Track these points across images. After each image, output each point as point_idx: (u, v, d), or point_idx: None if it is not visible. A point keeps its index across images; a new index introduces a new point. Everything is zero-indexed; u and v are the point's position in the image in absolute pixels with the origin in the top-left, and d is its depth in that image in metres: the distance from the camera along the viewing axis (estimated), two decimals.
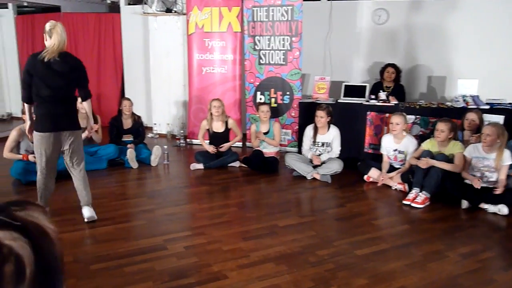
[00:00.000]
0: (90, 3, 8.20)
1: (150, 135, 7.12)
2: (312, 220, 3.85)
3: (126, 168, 5.37)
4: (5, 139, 4.83)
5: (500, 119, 4.70)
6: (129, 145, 5.53)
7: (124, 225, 3.69)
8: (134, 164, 5.39)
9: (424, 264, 3.02)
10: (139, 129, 5.81)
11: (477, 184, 4.06)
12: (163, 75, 7.10)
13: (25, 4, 7.65)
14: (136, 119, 5.79)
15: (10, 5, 7.83)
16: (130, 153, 5.36)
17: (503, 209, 3.97)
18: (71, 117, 3.59)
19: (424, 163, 4.32)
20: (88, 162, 5.21)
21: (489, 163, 4.11)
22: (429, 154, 4.40)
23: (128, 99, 5.80)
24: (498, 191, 3.98)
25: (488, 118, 4.72)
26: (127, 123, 5.72)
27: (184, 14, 6.64)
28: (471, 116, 4.67)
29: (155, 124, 7.33)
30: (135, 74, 7.71)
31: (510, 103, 4.98)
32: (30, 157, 4.65)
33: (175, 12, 6.72)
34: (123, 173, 5.26)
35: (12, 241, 0.56)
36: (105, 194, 4.52)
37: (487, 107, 4.93)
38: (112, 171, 5.28)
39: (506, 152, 4.03)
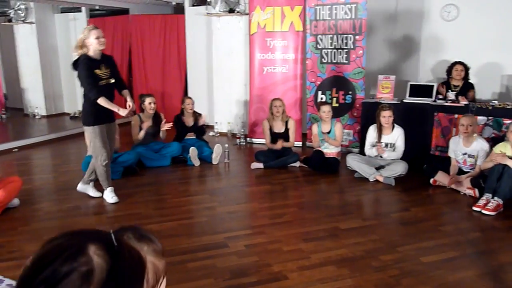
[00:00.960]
0: (156, 5, 8.49)
1: (211, 133, 7.26)
2: (375, 224, 3.74)
3: (189, 166, 5.50)
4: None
5: None
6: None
7: (187, 222, 3.79)
8: (196, 162, 5.52)
9: (498, 276, 2.84)
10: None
11: None
12: (225, 74, 7.20)
13: (97, 7, 8.07)
14: (198, 118, 5.93)
15: (83, 8, 8.29)
16: (193, 151, 5.49)
17: None
18: (82, 112, 4.15)
19: (501, 158, 4.03)
20: (153, 159, 5.44)
21: None
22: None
23: (190, 98, 5.94)
24: None
25: None
26: (189, 121, 5.87)
27: (246, 14, 6.70)
28: None
29: (216, 122, 7.46)
30: (198, 73, 7.89)
31: None
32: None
33: (238, 12, 6.80)
34: (186, 170, 5.40)
35: (95, 255, 0.62)
36: (169, 190, 4.67)
37: None
38: (175, 168, 5.44)
39: None
